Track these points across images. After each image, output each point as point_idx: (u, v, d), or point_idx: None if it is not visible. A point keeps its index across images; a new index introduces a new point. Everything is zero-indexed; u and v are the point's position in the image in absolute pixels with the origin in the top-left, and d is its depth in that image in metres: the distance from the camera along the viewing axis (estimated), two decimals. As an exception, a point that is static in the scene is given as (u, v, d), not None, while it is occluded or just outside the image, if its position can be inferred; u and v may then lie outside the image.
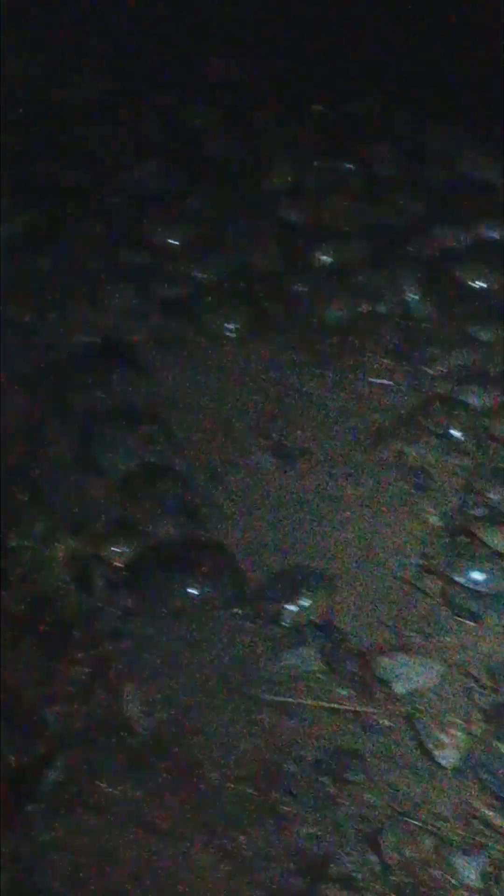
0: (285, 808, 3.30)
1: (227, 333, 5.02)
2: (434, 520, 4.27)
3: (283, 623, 3.85)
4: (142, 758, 3.38)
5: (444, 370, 4.87)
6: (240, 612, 3.86)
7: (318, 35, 7.45)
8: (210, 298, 5.23)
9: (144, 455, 4.38)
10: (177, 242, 5.56)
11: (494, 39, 7.10)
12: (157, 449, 4.41)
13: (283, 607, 3.87)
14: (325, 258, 5.45)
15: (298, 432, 4.52)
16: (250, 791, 3.33)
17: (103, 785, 3.28)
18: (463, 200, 6.04)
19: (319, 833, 3.26)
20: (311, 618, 3.88)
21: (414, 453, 4.49)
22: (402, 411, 4.69)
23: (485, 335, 5.11)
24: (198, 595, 3.88)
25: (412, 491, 4.39)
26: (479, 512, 4.30)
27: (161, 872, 3.10)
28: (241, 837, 3.20)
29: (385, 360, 4.90)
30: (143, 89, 6.83)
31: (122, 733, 3.44)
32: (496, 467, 4.48)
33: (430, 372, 4.87)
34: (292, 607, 3.87)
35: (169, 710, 3.52)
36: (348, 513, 4.26)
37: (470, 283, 5.39)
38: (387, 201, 6.04)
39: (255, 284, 5.25)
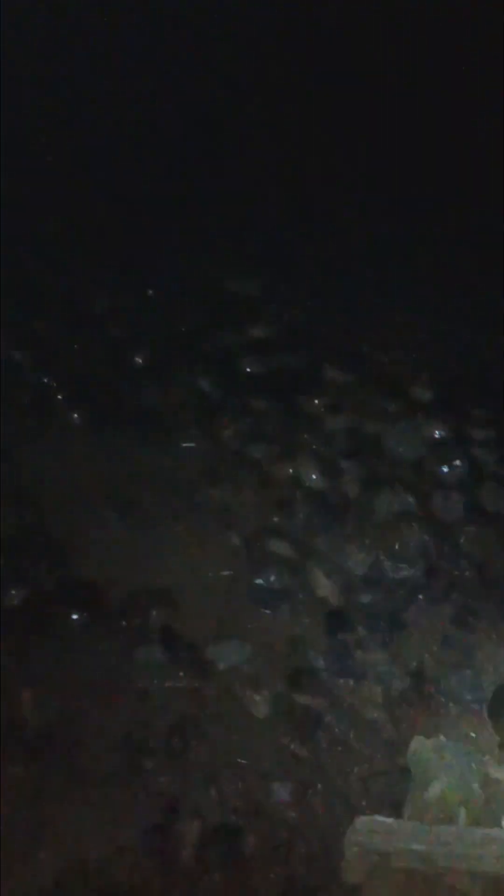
0: (147, 764, 3.26)
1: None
2: (236, 540, 4.24)
3: (135, 629, 3.78)
4: (36, 741, 3.31)
5: (233, 433, 4.83)
6: (104, 626, 3.79)
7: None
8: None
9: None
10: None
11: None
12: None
13: (134, 618, 3.81)
14: (140, 360, 5.30)
15: (133, 489, 4.43)
16: (120, 755, 3.28)
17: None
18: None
19: (173, 780, 3.26)
20: (155, 622, 3.81)
21: (218, 494, 4.46)
22: (211, 467, 4.63)
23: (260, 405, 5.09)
24: (77, 619, 3.80)
25: (219, 521, 4.34)
26: (267, 533, 4.28)
27: (51, 822, 3.05)
28: (115, 790, 3.15)
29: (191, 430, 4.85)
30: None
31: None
32: (279, 500, 4.47)
33: (224, 434, 4.83)
34: (140, 617, 3.82)
35: (56, 704, 3.44)
36: (177, 543, 4.20)
37: (247, 369, 5.35)
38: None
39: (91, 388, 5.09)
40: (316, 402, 5.09)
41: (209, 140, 6.50)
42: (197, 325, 5.54)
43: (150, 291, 5.70)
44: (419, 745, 2.53)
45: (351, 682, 3.68)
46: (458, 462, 4.77)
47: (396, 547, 4.24)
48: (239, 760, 3.34)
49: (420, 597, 4.07)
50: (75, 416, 4.77)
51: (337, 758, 3.40)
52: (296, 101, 6.50)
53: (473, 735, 2.60)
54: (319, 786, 3.29)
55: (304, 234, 6.30)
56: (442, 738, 2.54)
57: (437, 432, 4.96)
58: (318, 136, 6.51)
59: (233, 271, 6.02)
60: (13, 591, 3.85)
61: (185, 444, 4.73)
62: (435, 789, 2.44)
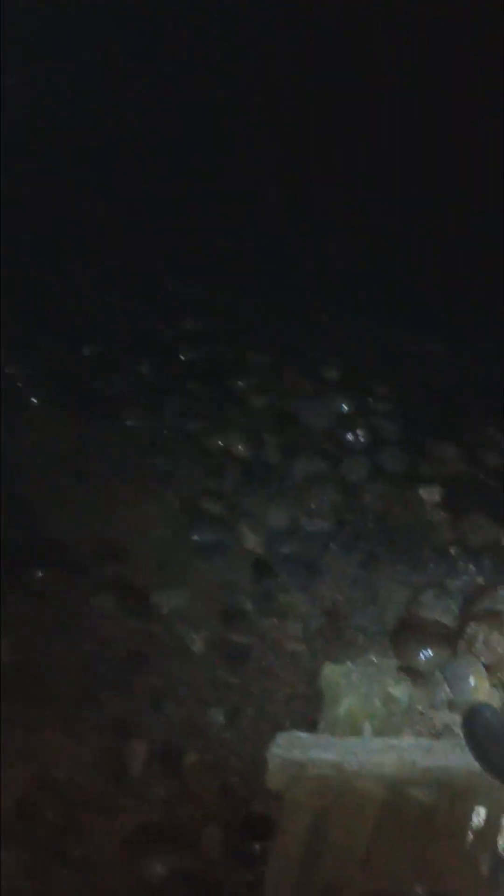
0: (102, 695, 3.22)
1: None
2: (176, 502, 4.20)
3: (91, 579, 3.72)
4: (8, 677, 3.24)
5: (171, 411, 4.76)
6: (65, 578, 3.72)
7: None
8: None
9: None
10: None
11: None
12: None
13: (90, 570, 3.75)
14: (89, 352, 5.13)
15: (87, 460, 4.36)
16: (79, 686, 3.23)
17: None
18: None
19: (124, 696, 3.24)
20: (108, 573, 3.76)
21: (160, 463, 4.42)
22: (154, 441, 4.56)
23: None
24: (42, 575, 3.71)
25: (161, 486, 4.29)
26: (202, 495, 4.25)
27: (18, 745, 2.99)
28: (75, 716, 3.13)
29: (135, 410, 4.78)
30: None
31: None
32: (211, 467, 4.43)
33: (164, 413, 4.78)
34: (95, 570, 3.76)
35: (26, 645, 3.37)
36: (126, 506, 4.13)
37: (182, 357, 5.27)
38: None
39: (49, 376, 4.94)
40: (241, 383, 5.06)
41: (154, 149, 6.20)
42: (140, 321, 5.47)
43: (99, 294, 5.62)
44: (330, 671, 2.52)
45: (275, 620, 3.67)
46: (361, 431, 4.78)
47: (311, 505, 4.23)
48: (180, 690, 3.32)
49: (332, 546, 4.07)
50: (34, 400, 4.67)
51: (263, 685, 3.40)
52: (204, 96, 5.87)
53: (375, 660, 2.61)
54: (249, 709, 3.29)
55: (235, 242, 6.22)
56: (349, 664, 2.54)
57: (343, 406, 4.96)
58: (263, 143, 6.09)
59: (172, 273, 5.96)
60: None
61: (129, 422, 4.67)
62: (344, 707, 2.44)
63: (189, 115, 5.85)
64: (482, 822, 2.47)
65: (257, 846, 2.77)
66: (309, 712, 3.16)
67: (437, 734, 2.92)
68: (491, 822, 2.48)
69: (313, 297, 5.89)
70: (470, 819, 2.47)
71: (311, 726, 2.93)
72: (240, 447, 4.56)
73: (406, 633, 3.52)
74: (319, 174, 5.99)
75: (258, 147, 6.00)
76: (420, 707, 3.04)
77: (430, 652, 3.37)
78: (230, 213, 6.14)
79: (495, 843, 2.54)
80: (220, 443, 4.57)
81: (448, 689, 3.14)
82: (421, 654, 3.36)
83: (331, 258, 6.10)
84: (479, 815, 2.46)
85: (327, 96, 5.79)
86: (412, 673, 3.08)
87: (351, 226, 6.04)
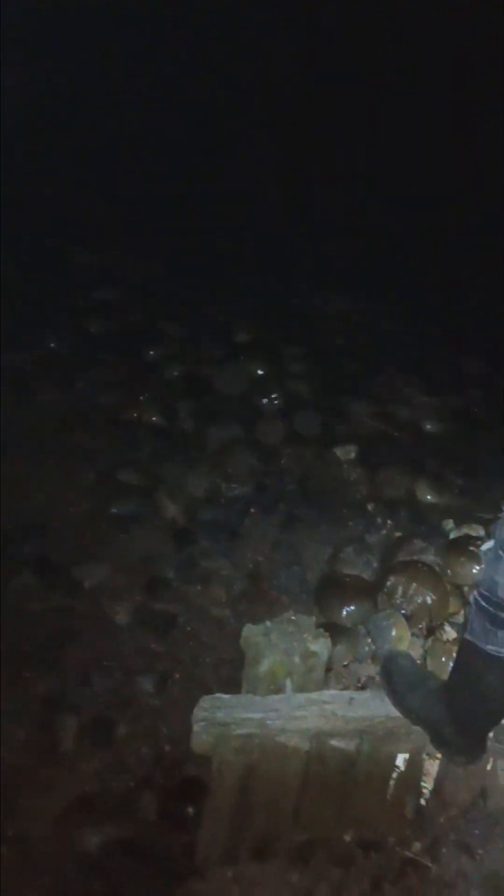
0: (29, 673, 3.23)
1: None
2: (93, 475, 4.19)
3: (11, 558, 3.69)
4: None
5: (84, 384, 4.75)
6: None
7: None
8: None
9: None
10: None
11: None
12: None
13: (10, 549, 3.72)
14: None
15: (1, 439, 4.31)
16: (6, 668, 3.22)
17: None
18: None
19: (52, 672, 3.24)
20: (28, 551, 3.74)
21: (75, 437, 4.40)
22: (67, 414, 4.54)
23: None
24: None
25: (78, 460, 4.28)
26: (119, 467, 4.25)
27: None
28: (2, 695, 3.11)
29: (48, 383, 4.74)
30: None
31: None
32: (127, 438, 4.44)
33: (77, 386, 4.76)
34: (16, 549, 3.74)
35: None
36: (44, 482, 4.10)
37: (91, 329, 5.23)
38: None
39: None
40: (153, 353, 5.05)
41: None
42: (49, 292, 5.41)
43: (7, 266, 5.52)
44: (249, 631, 2.56)
45: (198, 587, 3.68)
46: (276, 395, 4.82)
47: (229, 470, 4.27)
48: (108, 662, 3.33)
49: (252, 510, 4.11)
50: None
51: (190, 651, 3.41)
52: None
53: (294, 618, 2.67)
54: (177, 675, 3.31)
55: (146, 213, 6.17)
56: (268, 623, 2.59)
57: (258, 371, 5.00)
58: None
59: (79, 244, 5.91)
60: None
61: (41, 397, 4.64)
62: (264, 666, 2.49)
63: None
64: (404, 768, 2.57)
65: (191, 809, 2.82)
66: (238, 676, 3.22)
67: (361, 687, 3.00)
68: (413, 766, 2.59)
69: (221, 261, 5.90)
70: (392, 765, 2.56)
71: (240, 689, 2.99)
72: (155, 417, 4.58)
73: (328, 590, 3.58)
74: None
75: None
76: (343, 661, 3.12)
77: (352, 607, 3.45)
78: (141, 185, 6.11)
79: (418, 786, 2.65)
80: (134, 414, 4.58)
81: (370, 642, 3.22)
82: (344, 611, 3.44)
83: (232, 216, 6.11)
84: (401, 761, 2.55)
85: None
86: (334, 628, 3.15)
87: (257, 187, 6.07)
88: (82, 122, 6.11)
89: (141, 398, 4.67)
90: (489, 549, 2.22)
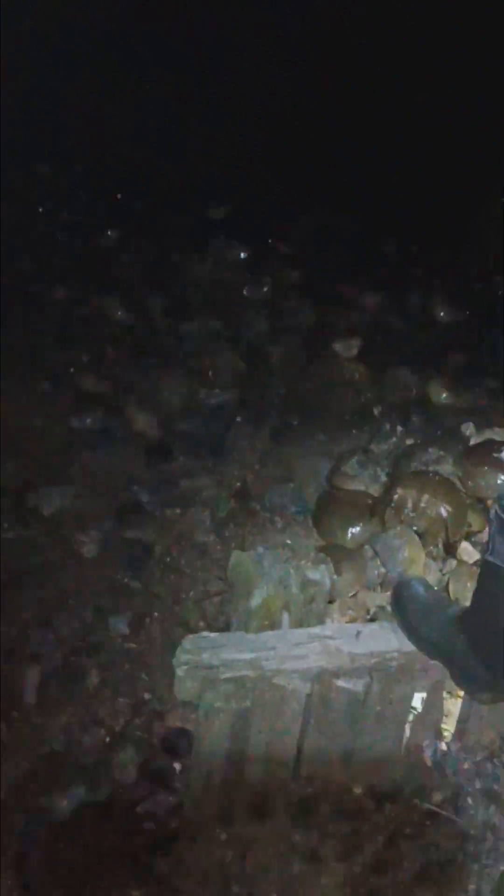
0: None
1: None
2: (47, 384, 4.17)
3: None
4: None
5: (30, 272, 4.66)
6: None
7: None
8: None
9: None
10: None
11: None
12: None
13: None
14: None
15: None
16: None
17: None
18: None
19: (7, 616, 3.24)
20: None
21: (26, 335, 4.34)
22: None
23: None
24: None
25: (27, 366, 4.23)
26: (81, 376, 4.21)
27: None
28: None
29: None
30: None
31: None
32: (85, 337, 4.38)
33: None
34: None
35: None
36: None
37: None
38: None
39: None
40: (112, 234, 4.97)
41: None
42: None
43: None
44: (238, 559, 2.56)
45: (178, 510, 3.68)
46: (262, 281, 4.77)
47: (209, 374, 4.24)
48: (72, 601, 3.35)
49: (237, 419, 4.10)
50: None
51: (170, 585, 3.42)
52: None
53: (290, 542, 2.66)
54: (156, 614, 3.32)
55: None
56: (259, 549, 2.59)
57: (240, 253, 4.93)
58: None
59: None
60: None
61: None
62: (256, 598, 2.49)
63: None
64: (421, 708, 2.60)
65: (177, 764, 2.86)
66: (225, 611, 3.25)
67: (370, 619, 3.02)
68: (431, 706, 2.62)
69: (199, 126, 5.81)
70: (408, 706, 2.59)
71: (229, 626, 3.01)
72: (118, 312, 4.52)
73: (328, 508, 3.58)
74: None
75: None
76: (348, 590, 3.14)
77: (356, 527, 3.46)
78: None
79: (437, 729, 2.69)
80: (93, 309, 4.52)
81: (379, 566, 3.24)
82: (347, 531, 3.45)
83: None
84: (418, 701, 2.59)
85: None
86: (336, 552, 3.16)
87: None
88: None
89: (99, 289, 4.59)
90: None
